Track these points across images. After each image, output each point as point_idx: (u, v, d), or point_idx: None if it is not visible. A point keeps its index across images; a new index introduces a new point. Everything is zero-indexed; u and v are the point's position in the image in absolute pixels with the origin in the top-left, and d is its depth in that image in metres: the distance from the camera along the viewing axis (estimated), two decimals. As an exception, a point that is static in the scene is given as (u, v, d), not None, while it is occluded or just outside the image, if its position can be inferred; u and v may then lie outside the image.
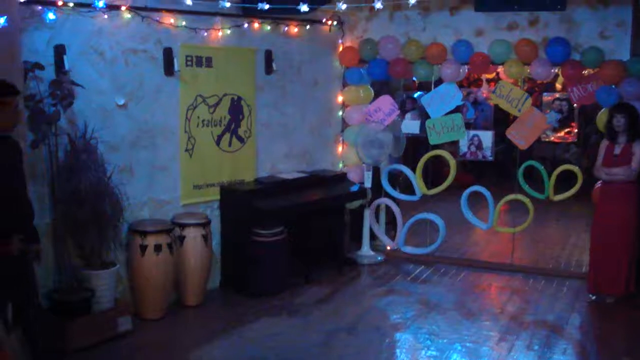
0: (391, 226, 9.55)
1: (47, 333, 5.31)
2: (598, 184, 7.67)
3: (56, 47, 6.04)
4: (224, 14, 7.44)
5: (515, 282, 8.35)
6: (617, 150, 7.35)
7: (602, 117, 7.92)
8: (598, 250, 7.52)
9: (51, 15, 5.95)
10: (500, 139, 10.26)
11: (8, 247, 4.73)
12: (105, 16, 6.40)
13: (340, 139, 9.34)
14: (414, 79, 11.76)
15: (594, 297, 7.58)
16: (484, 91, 13.60)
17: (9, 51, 5.29)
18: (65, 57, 6.05)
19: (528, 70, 8.33)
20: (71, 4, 6.09)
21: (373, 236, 9.27)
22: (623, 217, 7.33)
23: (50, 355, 5.32)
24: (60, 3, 6.01)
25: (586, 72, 8.08)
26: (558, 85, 13.35)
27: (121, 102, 6.68)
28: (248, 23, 7.80)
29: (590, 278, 7.64)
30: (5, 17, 5.11)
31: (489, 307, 7.49)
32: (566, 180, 8.52)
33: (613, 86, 7.84)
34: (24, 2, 5.64)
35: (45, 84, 5.88)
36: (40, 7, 5.90)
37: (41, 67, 5.79)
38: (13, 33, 5.32)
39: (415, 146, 9.66)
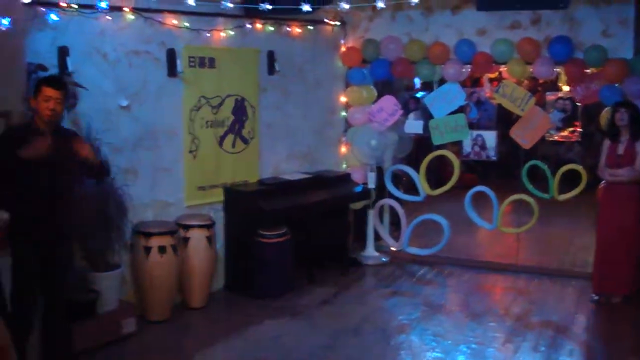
0: (395, 227, 9.55)
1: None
2: (603, 183, 7.67)
3: (60, 48, 6.05)
4: (227, 15, 7.46)
5: (520, 282, 8.37)
6: (620, 149, 7.31)
7: (605, 115, 7.93)
8: (603, 249, 7.51)
9: (54, 17, 5.97)
10: (503, 140, 10.26)
11: None
12: (109, 17, 6.42)
13: (344, 139, 9.35)
14: (417, 79, 11.83)
15: (596, 297, 7.57)
16: (486, 91, 13.63)
17: (13, 52, 5.34)
18: (68, 58, 6.06)
19: (531, 70, 8.34)
20: (75, 6, 6.11)
21: (377, 237, 9.28)
22: (628, 217, 7.30)
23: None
24: (63, 5, 6.03)
25: (589, 70, 8.10)
26: (561, 85, 13.38)
27: (124, 103, 6.70)
28: (250, 24, 7.82)
29: (594, 278, 7.64)
30: (9, 18, 5.14)
31: (494, 308, 7.50)
32: (570, 180, 8.51)
33: (616, 85, 7.86)
34: (28, 3, 5.65)
35: (48, 85, 5.89)
36: (43, 9, 5.91)
37: (45, 69, 5.80)
38: (17, 34, 5.36)
39: (418, 146, 9.68)
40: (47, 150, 4.90)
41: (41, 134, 4.98)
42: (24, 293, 5.07)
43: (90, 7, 6.22)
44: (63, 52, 6.06)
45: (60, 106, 5.08)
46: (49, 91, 5.00)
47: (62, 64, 6.05)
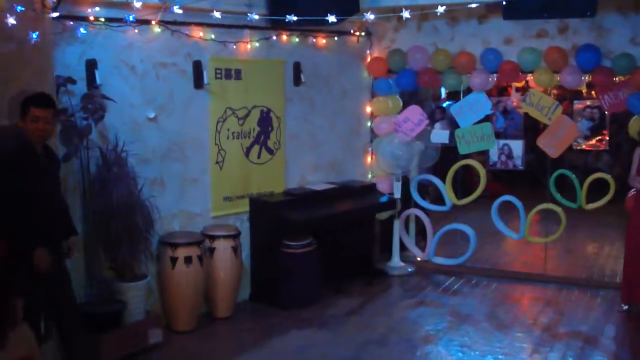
0: (421, 237, 9.50)
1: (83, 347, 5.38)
2: (631, 192, 7.56)
3: (88, 61, 6.11)
4: (253, 27, 7.47)
5: (548, 292, 8.26)
6: (652, 158, 7.25)
7: (634, 124, 7.83)
8: (632, 259, 7.39)
9: (83, 30, 6.02)
10: (530, 149, 10.16)
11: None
12: (136, 30, 6.48)
13: (369, 149, 9.32)
14: (443, 88, 11.76)
15: (625, 307, 7.46)
16: (513, 100, 13.52)
17: (41, 66, 5.37)
18: (96, 71, 6.12)
19: (558, 78, 8.25)
20: (102, 19, 6.17)
21: (403, 247, 9.23)
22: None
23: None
24: (91, 18, 6.09)
25: (617, 79, 7.99)
26: (592, 93, 13.23)
27: (152, 115, 6.74)
28: (276, 35, 7.85)
29: (623, 288, 7.53)
30: (38, 32, 5.19)
31: (522, 319, 7.41)
32: (599, 189, 8.40)
33: (645, 93, 7.76)
34: (56, 17, 5.70)
35: (77, 98, 5.95)
36: (72, 23, 5.97)
37: (73, 82, 5.86)
38: (45, 48, 5.40)
39: (444, 156, 9.64)
40: (49, 265, 4.88)
41: (35, 152, 4.89)
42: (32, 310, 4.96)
43: (118, 20, 6.27)
44: (91, 65, 6.12)
45: (50, 125, 4.91)
46: (36, 111, 4.82)
47: (91, 77, 6.11)
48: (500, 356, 6.35)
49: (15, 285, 4.53)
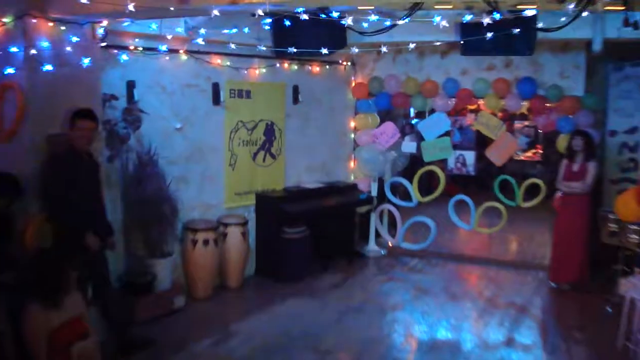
0: (392, 227, 9.49)
1: (118, 308, 5.37)
2: (558, 194, 7.60)
3: (128, 82, 6.12)
4: (260, 56, 7.47)
5: (491, 272, 8.28)
6: (575, 167, 7.30)
7: (561, 141, 7.86)
8: (558, 247, 7.45)
9: (124, 57, 6.03)
10: (480, 158, 10.18)
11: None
12: (167, 58, 6.49)
13: (352, 156, 9.32)
14: (412, 109, 11.76)
15: (554, 285, 7.50)
16: (468, 119, 13.54)
17: (91, 85, 5.39)
18: (134, 90, 6.14)
19: (503, 103, 8.27)
20: (140, 48, 6.18)
21: (377, 234, 9.23)
22: (578, 221, 7.25)
23: (121, 325, 5.35)
24: (131, 47, 6.10)
25: (549, 104, 8.02)
26: (530, 115, 13.27)
27: (178, 125, 6.74)
28: (279, 63, 7.85)
29: (551, 269, 7.58)
30: (90, 58, 5.20)
31: (470, 292, 7.43)
32: (532, 191, 8.44)
33: (570, 116, 7.78)
34: (104, 46, 5.71)
35: (119, 111, 5.96)
36: (116, 51, 5.99)
37: (116, 98, 5.87)
38: (95, 71, 5.42)
39: (412, 163, 9.65)
40: (98, 246, 4.90)
41: (80, 155, 4.89)
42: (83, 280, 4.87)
43: (153, 49, 6.29)
44: (130, 85, 6.14)
45: (92, 134, 4.89)
46: (83, 123, 4.80)
47: (130, 94, 6.12)
48: (452, 321, 6.39)
49: (70, 260, 4.56)
